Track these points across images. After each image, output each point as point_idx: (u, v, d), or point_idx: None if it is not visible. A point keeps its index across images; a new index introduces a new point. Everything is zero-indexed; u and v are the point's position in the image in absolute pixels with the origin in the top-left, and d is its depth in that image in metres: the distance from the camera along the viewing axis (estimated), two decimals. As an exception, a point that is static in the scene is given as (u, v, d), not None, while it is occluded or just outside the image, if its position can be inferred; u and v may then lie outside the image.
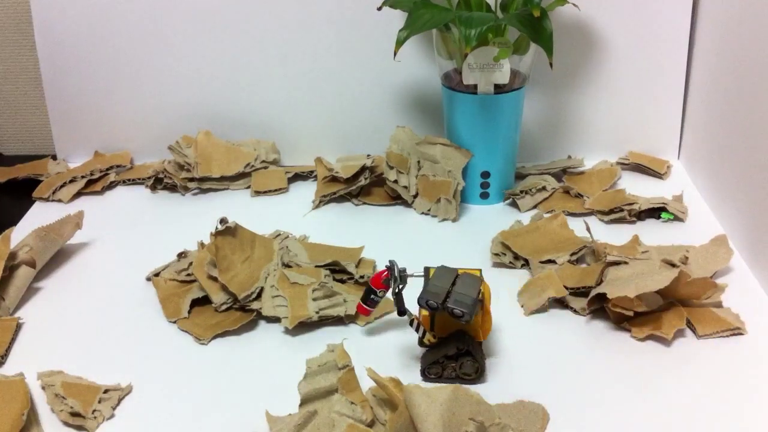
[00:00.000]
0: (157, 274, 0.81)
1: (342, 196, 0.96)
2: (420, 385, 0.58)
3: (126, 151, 1.07)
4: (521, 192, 0.94)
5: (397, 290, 0.67)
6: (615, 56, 0.99)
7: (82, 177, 1.01)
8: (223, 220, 0.78)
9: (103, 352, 0.71)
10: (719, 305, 0.73)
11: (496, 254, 0.82)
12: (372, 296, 0.70)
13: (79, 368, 0.69)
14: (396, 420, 0.58)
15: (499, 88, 0.88)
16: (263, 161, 1.03)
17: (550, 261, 0.80)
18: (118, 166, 1.04)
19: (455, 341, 0.65)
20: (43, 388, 0.66)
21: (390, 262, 0.67)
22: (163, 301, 0.77)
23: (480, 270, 0.68)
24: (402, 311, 0.68)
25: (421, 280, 0.67)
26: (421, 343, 0.68)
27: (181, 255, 0.83)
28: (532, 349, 0.70)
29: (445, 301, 0.63)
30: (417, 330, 0.67)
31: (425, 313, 0.66)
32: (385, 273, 0.68)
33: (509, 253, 0.82)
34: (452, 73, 0.92)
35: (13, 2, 1.09)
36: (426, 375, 0.66)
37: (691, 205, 0.92)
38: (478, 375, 0.66)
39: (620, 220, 0.89)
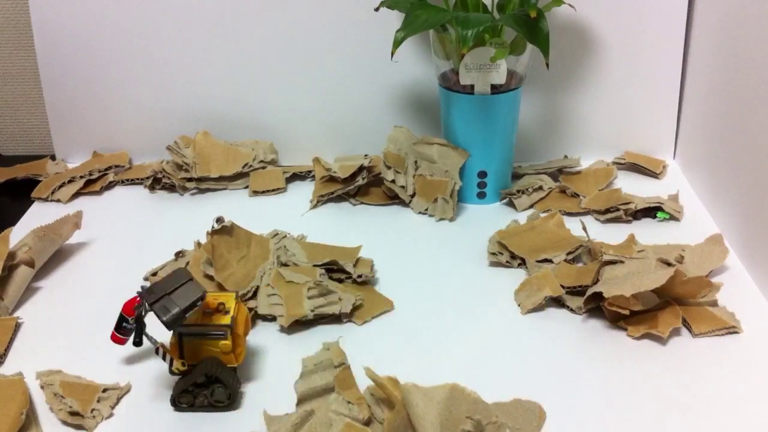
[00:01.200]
0: (154, 274, 0.81)
1: (340, 195, 0.96)
2: (417, 384, 0.58)
3: (124, 151, 1.07)
4: (518, 191, 0.94)
5: (138, 317, 0.64)
6: (611, 56, 1.00)
7: (81, 177, 1.01)
8: (219, 219, 0.78)
9: (102, 352, 0.71)
10: (715, 304, 0.73)
11: (493, 253, 0.83)
12: (124, 324, 0.67)
13: (78, 367, 0.69)
14: (393, 419, 0.58)
15: (495, 89, 0.89)
16: (261, 161, 1.03)
17: (546, 260, 0.81)
18: (116, 167, 1.05)
19: (205, 368, 0.63)
20: (42, 387, 0.66)
21: (141, 287, 0.64)
22: (161, 301, 0.77)
23: (235, 293, 0.67)
24: (137, 342, 0.64)
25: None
26: (171, 371, 0.65)
27: (179, 254, 0.83)
28: (529, 347, 0.70)
29: (156, 302, 0.61)
30: (164, 358, 0.64)
31: (173, 340, 0.64)
32: (137, 300, 0.64)
33: (506, 253, 0.82)
34: (449, 73, 0.92)
35: (12, 2, 1.09)
36: (177, 404, 0.64)
37: (687, 205, 0.92)
38: (230, 402, 0.64)
39: (616, 220, 0.90)
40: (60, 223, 0.86)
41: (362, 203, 0.96)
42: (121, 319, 0.67)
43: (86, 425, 0.62)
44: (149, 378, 0.68)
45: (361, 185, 0.96)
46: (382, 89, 1.03)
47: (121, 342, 0.68)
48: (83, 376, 0.68)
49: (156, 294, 0.62)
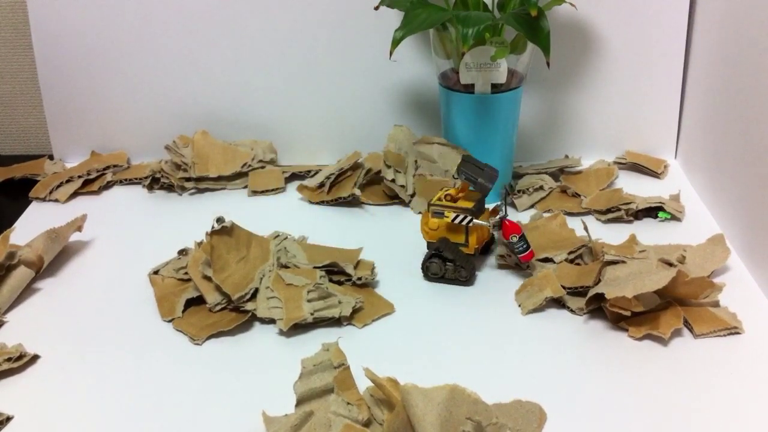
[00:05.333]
0: (156, 272, 0.81)
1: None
2: (417, 385, 0.58)
3: (123, 151, 1.07)
4: (518, 191, 0.94)
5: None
6: (612, 55, 0.99)
7: (79, 177, 1.01)
8: (219, 219, 0.78)
9: (97, 352, 0.71)
10: (716, 304, 0.73)
11: (501, 256, 0.82)
12: (516, 247, 0.77)
13: (74, 367, 0.69)
14: (393, 420, 0.58)
15: (496, 88, 0.88)
16: (260, 161, 1.02)
17: (548, 260, 0.80)
18: (114, 166, 1.04)
19: (434, 245, 0.79)
20: None
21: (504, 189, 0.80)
22: (159, 300, 0.77)
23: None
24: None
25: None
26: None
27: (182, 252, 0.83)
28: (530, 348, 0.70)
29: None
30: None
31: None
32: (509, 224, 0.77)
33: (514, 256, 0.82)
34: (449, 72, 0.92)
35: (10, 1, 1.09)
36: (425, 272, 0.80)
37: (688, 205, 0.92)
38: (460, 279, 0.78)
39: (617, 220, 0.89)
40: (69, 225, 0.86)
41: (362, 203, 0.96)
42: (516, 242, 0.77)
43: None
44: (145, 379, 0.67)
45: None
46: (382, 88, 1.02)
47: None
48: (79, 376, 0.68)
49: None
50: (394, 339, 0.72)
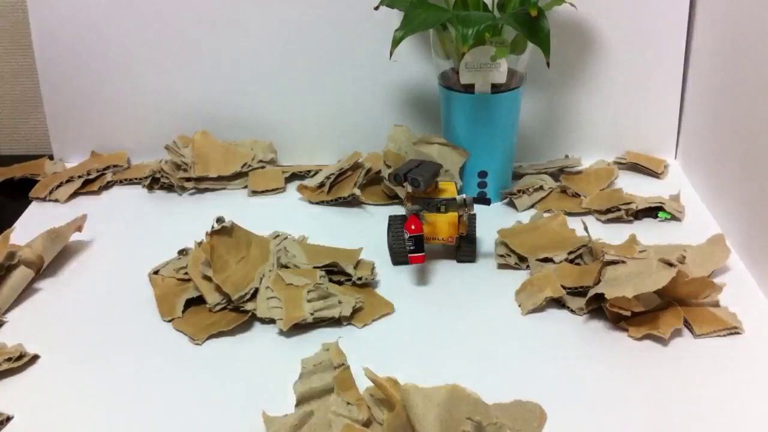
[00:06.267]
0: (156, 272, 0.81)
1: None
2: (417, 385, 0.58)
3: (123, 151, 1.07)
4: (518, 191, 0.94)
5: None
6: (612, 55, 0.99)
7: (79, 177, 1.01)
8: (219, 219, 0.78)
9: (97, 352, 0.71)
10: (716, 304, 0.73)
11: (501, 255, 0.82)
12: (410, 245, 0.76)
13: (74, 367, 0.69)
14: (393, 420, 0.58)
15: (496, 88, 0.88)
16: (260, 161, 1.03)
17: (548, 260, 0.80)
18: (114, 166, 1.04)
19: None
20: None
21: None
22: (159, 300, 0.77)
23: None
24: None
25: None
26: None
27: (182, 252, 0.83)
28: (530, 348, 0.70)
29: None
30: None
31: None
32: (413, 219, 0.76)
33: (514, 255, 0.82)
34: (449, 72, 0.92)
35: (10, 1, 1.09)
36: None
37: (688, 205, 0.92)
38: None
39: (617, 220, 0.89)
40: (69, 225, 0.86)
41: (362, 203, 0.96)
42: (407, 239, 0.76)
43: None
44: (145, 379, 0.67)
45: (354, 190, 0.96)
46: (382, 88, 1.02)
47: (418, 260, 0.77)
48: (77, 376, 0.68)
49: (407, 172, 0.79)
50: (394, 339, 0.72)
